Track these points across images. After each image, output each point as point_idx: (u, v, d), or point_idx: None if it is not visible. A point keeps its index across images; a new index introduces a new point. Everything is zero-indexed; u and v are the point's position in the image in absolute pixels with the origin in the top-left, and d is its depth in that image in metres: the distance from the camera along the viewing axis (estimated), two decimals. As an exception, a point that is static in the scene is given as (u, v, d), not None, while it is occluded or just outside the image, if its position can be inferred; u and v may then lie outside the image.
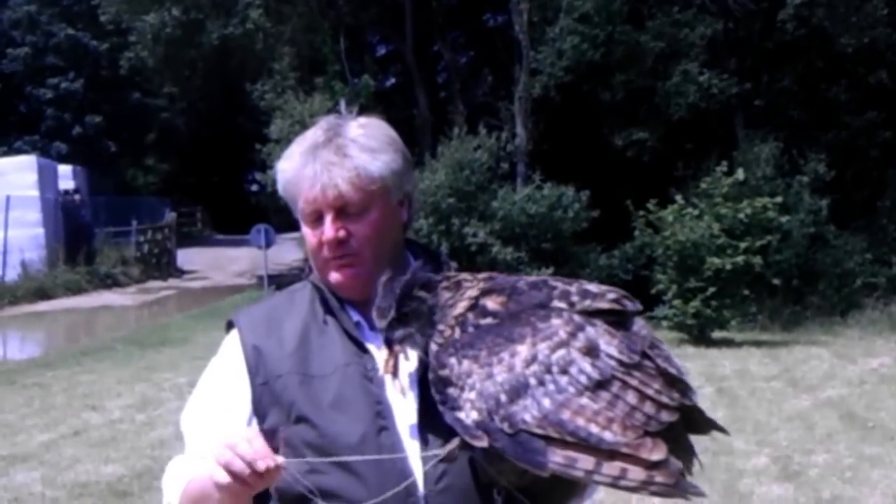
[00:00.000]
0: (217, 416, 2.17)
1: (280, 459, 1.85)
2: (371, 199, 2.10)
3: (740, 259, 16.94)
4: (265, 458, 1.83)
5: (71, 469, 8.69)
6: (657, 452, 1.75)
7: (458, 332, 1.88)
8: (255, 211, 43.18)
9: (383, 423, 2.08)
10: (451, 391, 1.84)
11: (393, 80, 33.18)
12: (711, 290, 16.35)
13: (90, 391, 12.22)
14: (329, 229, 2.09)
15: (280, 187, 2.18)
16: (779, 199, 17.95)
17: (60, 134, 38.84)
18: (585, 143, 25.12)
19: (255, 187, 52.15)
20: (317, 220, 2.11)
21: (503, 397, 1.78)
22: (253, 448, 1.84)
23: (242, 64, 31.45)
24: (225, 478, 1.83)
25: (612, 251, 21.74)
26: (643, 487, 1.75)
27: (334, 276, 2.14)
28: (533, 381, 1.78)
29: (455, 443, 1.90)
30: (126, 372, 13.62)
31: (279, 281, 22.70)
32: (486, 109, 25.69)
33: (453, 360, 1.85)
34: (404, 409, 2.09)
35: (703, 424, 1.90)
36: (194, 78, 34.90)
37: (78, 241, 29.69)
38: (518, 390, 1.78)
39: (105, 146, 40.60)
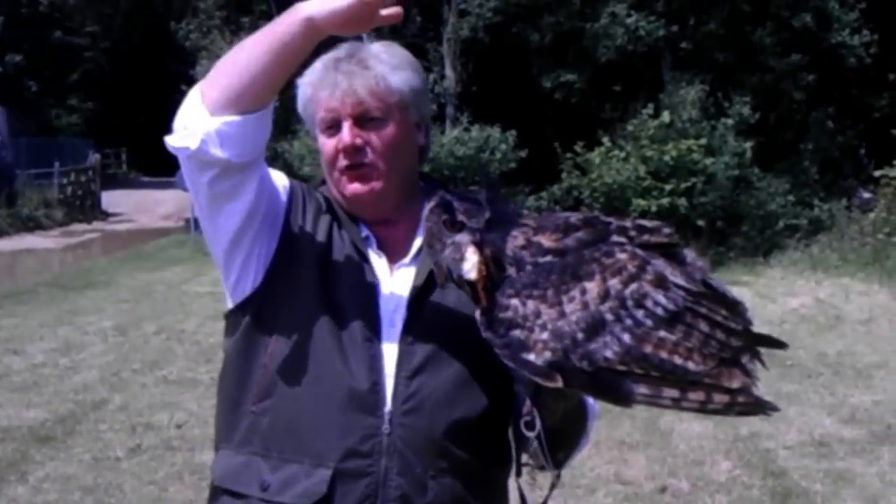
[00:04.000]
0: None
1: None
2: (389, 112, 2.13)
3: (665, 201, 17.12)
4: None
5: (-8, 414, 8.60)
6: (735, 381, 1.78)
7: (513, 271, 1.84)
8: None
9: (367, 335, 2.10)
10: (517, 333, 1.79)
11: (321, 21, 32.78)
12: (637, 232, 16.39)
13: (12, 335, 12.03)
14: (346, 135, 2.11)
15: (301, 103, 2.20)
16: (704, 142, 18.12)
17: (-21, 73, 37.98)
18: (514, 84, 25.00)
19: (181, 129, 51.68)
20: (334, 128, 2.14)
21: (580, 335, 1.75)
22: None
23: (166, 2, 30.90)
24: None
25: (539, 193, 21.80)
26: (728, 409, 1.80)
27: (350, 188, 2.16)
28: (610, 317, 1.76)
29: (527, 407, 1.92)
30: (49, 315, 13.42)
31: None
32: (415, 51, 25.08)
33: (516, 301, 1.80)
34: (390, 331, 2.12)
35: (756, 340, 1.90)
36: (116, 16, 34.29)
37: (-1, 183, 29.20)
38: (595, 327, 1.75)
39: (26, 86, 39.75)
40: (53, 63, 41.33)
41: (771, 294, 14.34)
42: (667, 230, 1.89)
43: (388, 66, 2.15)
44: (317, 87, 2.15)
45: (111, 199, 36.07)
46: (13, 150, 33.19)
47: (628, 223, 1.89)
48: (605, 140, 18.62)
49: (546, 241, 1.85)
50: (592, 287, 1.76)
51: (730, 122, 19.21)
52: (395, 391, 2.07)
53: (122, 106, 51.48)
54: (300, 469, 2.06)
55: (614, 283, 1.76)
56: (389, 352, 2.10)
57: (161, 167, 45.33)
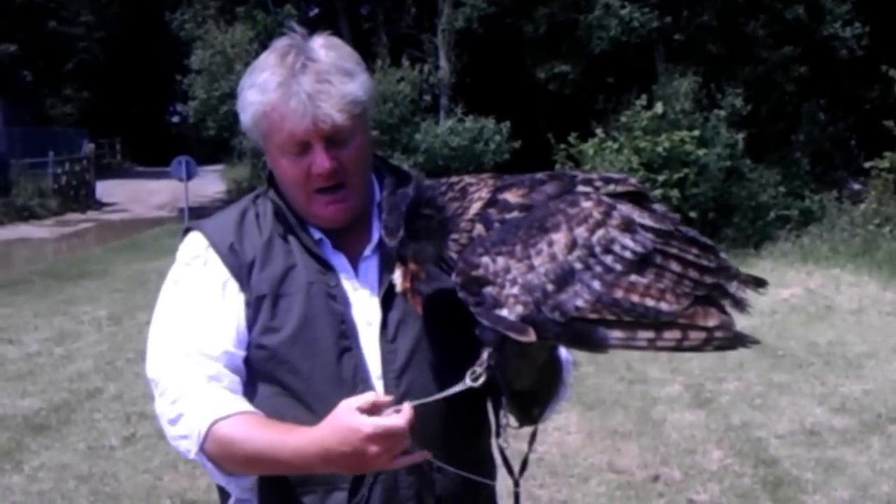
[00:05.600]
0: (213, 325, 2.09)
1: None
2: (356, 124, 2.07)
3: (658, 192, 17.09)
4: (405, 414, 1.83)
5: (-13, 402, 8.63)
6: (711, 319, 1.79)
7: (481, 229, 1.85)
8: (175, 142, 42.59)
9: (346, 344, 2.07)
10: (489, 290, 1.79)
11: (316, 11, 32.65)
12: (630, 222, 16.34)
13: (7, 325, 12.06)
14: (325, 160, 2.03)
15: (250, 121, 2.10)
16: (696, 133, 18.16)
17: (-26, 63, 37.90)
18: (508, 75, 25.09)
19: (175, 118, 51.56)
20: (302, 151, 2.05)
21: (550, 287, 1.75)
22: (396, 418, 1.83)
23: (161, -8, 30.85)
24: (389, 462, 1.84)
25: (533, 184, 21.97)
26: (706, 345, 1.81)
27: (326, 211, 2.10)
28: (578, 266, 1.76)
29: (484, 356, 1.88)
30: (43, 305, 13.46)
31: (201, 213, 22.47)
32: (410, 41, 25.52)
33: (486, 259, 1.80)
34: (367, 329, 2.09)
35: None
36: (111, 6, 34.15)
37: (-8, 173, 29.18)
38: (565, 278, 1.75)
39: (21, 75, 39.68)
40: (48, 53, 41.24)
41: (762, 285, 14.37)
42: (633, 180, 1.90)
43: (348, 77, 2.06)
44: (276, 107, 2.05)
45: (105, 189, 35.99)
46: (8, 139, 33.11)
47: (594, 175, 1.90)
48: (599, 131, 18.67)
49: (513, 197, 1.86)
50: (559, 238, 1.77)
51: (722, 113, 19.28)
52: (386, 394, 2.01)
53: (117, 96, 51.34)
54: (315, 497, 2.06)
55: (581, 231, 1.78)
56: (372, 353, 2.08)
57: (155, 157, 45.45)
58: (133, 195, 35.54)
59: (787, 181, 19.67)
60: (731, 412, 8.01)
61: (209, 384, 2.03)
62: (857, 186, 19.82)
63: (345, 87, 2.04)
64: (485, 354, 1.87)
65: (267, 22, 25.22)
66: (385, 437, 1.79)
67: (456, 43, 24.36)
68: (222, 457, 2.00)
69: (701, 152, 18.01)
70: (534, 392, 2.05)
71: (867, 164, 17.90)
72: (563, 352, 2.18)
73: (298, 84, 2.02)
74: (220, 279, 2.11)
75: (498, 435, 2.12)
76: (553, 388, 2.15)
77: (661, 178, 17.40)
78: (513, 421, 2.11)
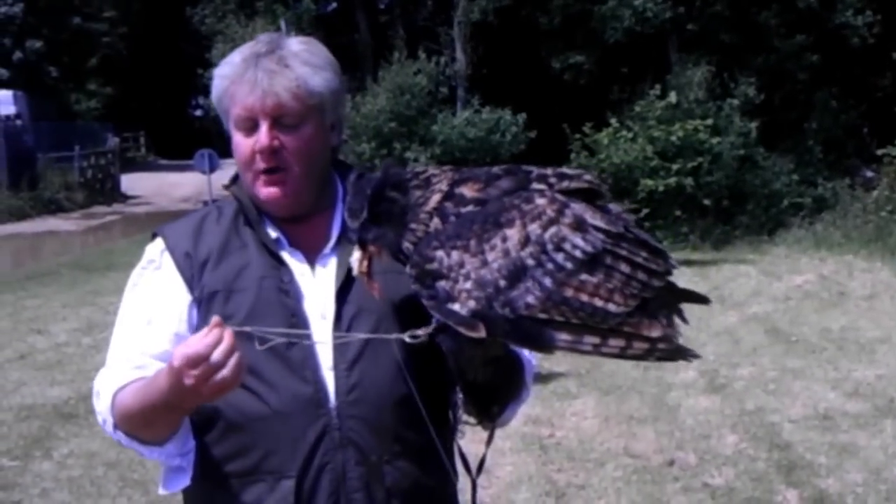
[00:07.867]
0: (154, 325, 2.15)
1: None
2: (307, 113, 2.08)
3: (672, 181, 17.32)
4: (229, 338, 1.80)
5: (17, 392, 8.84)
6: (655, 330, 1.79)
7: (437, 222, 1.84)
8: (198, 135, 42.85)
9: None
10: (443, 284, 1.78)
11: (334, 5, 32.70)
12: (645, 211, 16.42)
13: (35, 315, 12.34)
14: (264, 136, 2.05)
15: (215, 96, 2.14)
16: (710, 122, 18.27)
17: (0, 59, 38.18)
18: (523, 67, 25.20)
19: (198, 112, 51.84)
20: (251, 128, 2.08)
21: (502, 283, 1.75)
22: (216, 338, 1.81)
23: (182, -13, 31.07)
24: (190, 377, 1.79)
25: (549, 174, 22.10)
26: (648, 355, 1.82)
27: (264, 191, 2.11)
28: (531, 262, 1.75)
29: (432, 324, 1.88)
30: (71, 296, 13.72)
31: (223, 206, 22.64)
32: (426, 34, 25.63)
33: (440, 253, 1.79)
34: (321, 323, 2.09)
35: (679, 296, 1.91)
36: (134, 1, 34.43)
37: (21, 167, 29.43)
38: (517, 274, 1.75)
39: (46, 71, 39.97)
40: (72, 49, 41.40)
41: (776, 272, 14.41)
42: (588, 177, 1.89)
43: (309, 67, 2.10)
44: (234, 81, 2.09)
45: (130, 182, 36.27)
46: (35, 134, 33.37)
47: (549, 171, 1.89)
48: (613, 121, 18.73)
49: (468, 191, 1.86)
50: (513, 234, 1.77)
51: (735, 102, 19.40)
52: (337, 385, 2.05)
53: (141, 90, 51.57)
54: (265, 486, 2.07)
55: (534, 227, 1.77)
56: (325, 346, 2.08)
57: (179, 150, 45.65)
58: (157, 188, 35.73)
59: (800, 169, 19.76)
60: (745, 397, 8.11)
61: (130, 370, 2.09)
62: (869, 173, 19.82)
63: (301, 72, 2.08)
64: (433, 323, 1.89)
65: (286, 16, 25.45)
66: (192, 364, 1.79)
67: (472, 35, 24.45)
68: (126, 421, 2.05)
69: (714, 141, 18.16)
70: (492, 388, 2.05)
71: (879, 152, 17.90)
72: (526, 353, 2.19)
73: (259, 62, 2.08)
74: (169, 285, 2.17)
75: (454, 432, 2.15)
76: (513, 386, 2.14)
77: (675, 166, 17.55)
78: (472, 419, 2.12)
